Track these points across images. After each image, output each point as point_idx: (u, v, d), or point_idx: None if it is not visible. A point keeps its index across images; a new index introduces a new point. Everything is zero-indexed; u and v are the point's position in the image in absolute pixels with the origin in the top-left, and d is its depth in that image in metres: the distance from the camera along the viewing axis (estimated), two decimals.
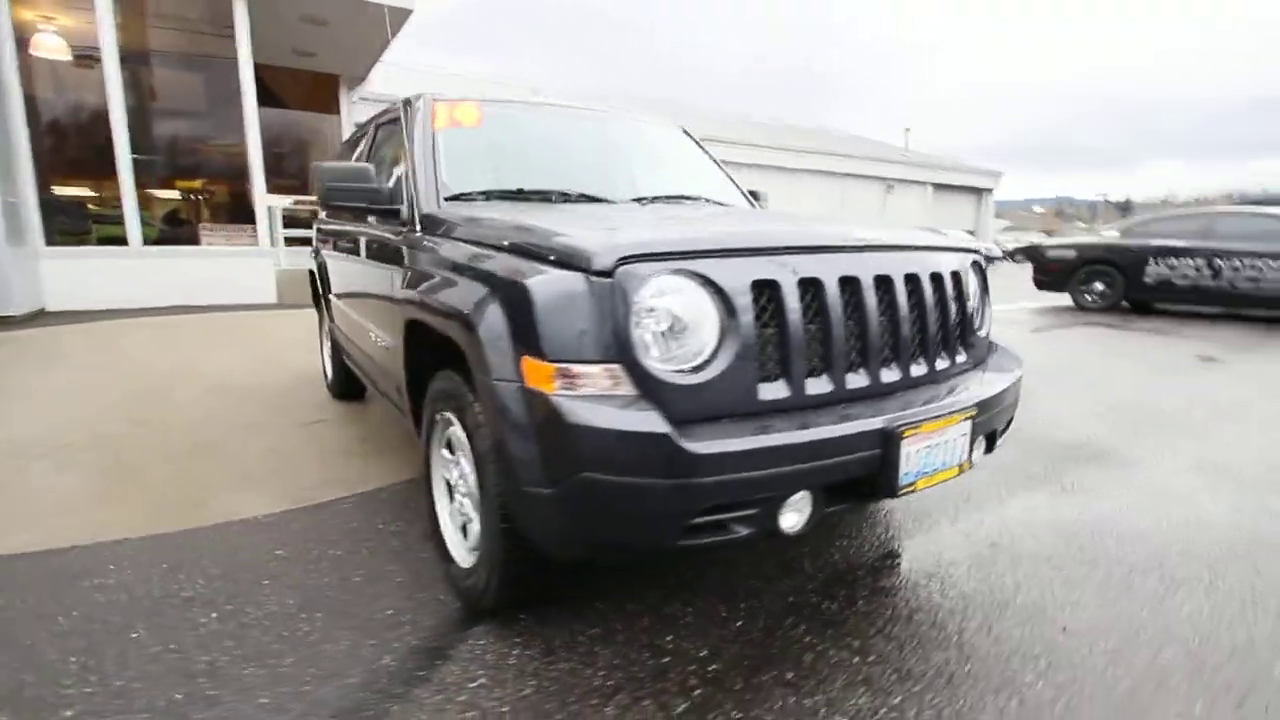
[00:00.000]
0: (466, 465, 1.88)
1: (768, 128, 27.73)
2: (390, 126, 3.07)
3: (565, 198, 2.45)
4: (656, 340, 1.45)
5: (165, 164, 9.54)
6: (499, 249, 1.69)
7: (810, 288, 1.58)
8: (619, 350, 1.41)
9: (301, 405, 4.27)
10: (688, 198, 2.73)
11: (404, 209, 2.36)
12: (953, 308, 1.90)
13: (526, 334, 1.46)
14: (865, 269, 1.67)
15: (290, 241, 9.21)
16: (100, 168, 8.17)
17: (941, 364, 1.86)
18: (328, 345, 4.39)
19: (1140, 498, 2.81)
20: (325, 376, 4.53)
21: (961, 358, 1.96)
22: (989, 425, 1.83)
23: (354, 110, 12.37)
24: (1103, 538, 2.43)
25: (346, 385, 4.17)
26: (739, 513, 1.43)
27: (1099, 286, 9.32)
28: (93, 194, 8.79)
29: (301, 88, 12.01)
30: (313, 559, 2.27)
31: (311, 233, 4.78)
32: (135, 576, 2.16)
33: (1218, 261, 8.22)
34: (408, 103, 2.64)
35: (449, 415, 1.90)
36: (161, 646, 1.79)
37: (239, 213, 9.45)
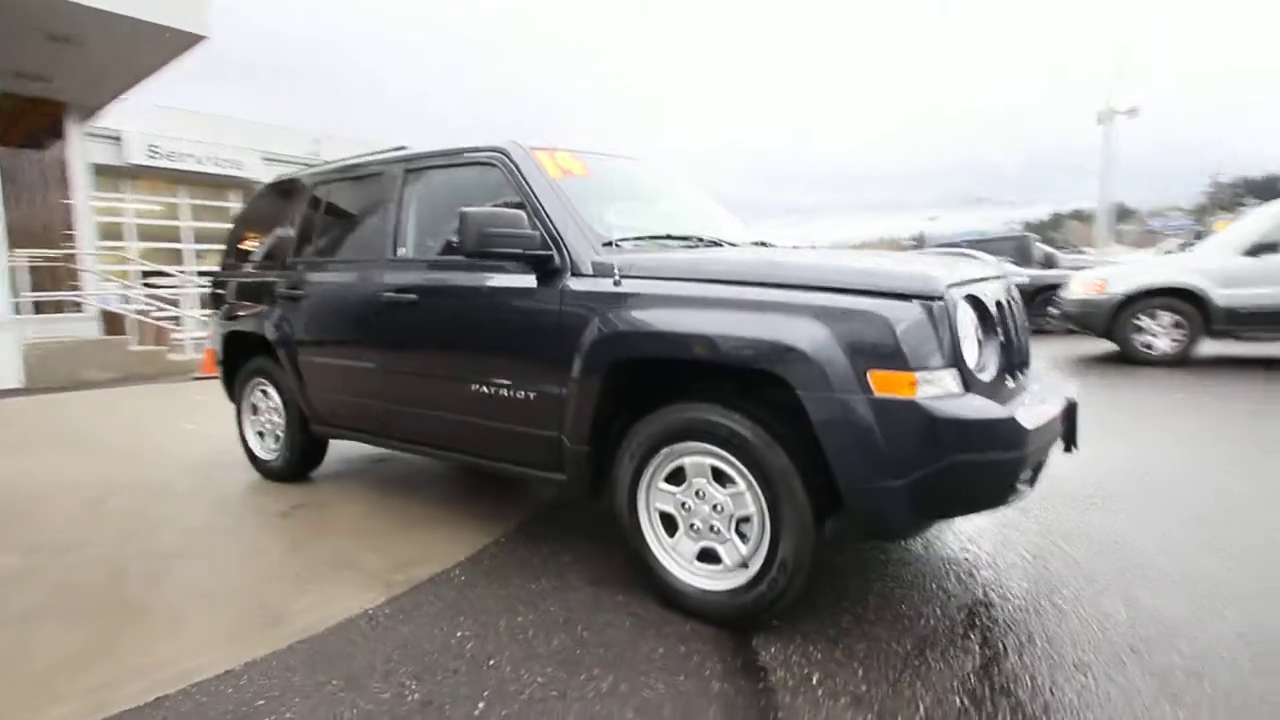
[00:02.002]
0: (717, 493, 2.00)
1: None
2: (427, 173, 2.93)
3: (700, 241, 2.66)
4: (970, 346, 1.83)
5: None
6: (797, 287, 1.89)
7: (995, 306, 2.11)
8: (953, 358, 1.76)
9: (247, 495, 3.55)
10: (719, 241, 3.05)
11: (556, 256, 2.34)
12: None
13: (880, 352, 1.72)
14: (1002, 292, 2.26)
15: (44, 308, 7.15)
16: None
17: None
18: (261, 419, 3.72)
19: None
20: (254, 458, 3.80)
21: None
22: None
23: (86, 147, 10.04)
24: None
25: (304, 460, 3.59)
26: (1030, 473, 1.86)
27: None
28: None
29: (6, 118, 9.42)
30: (515, 626, 2.08)
31: (202, 292, 4.03)
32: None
33: None
34: (504, 152, 2.59)
35: (702, 446, 2.00)
36: None
37: None
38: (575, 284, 2.28)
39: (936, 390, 1.72)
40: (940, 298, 1.76)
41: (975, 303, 1.93)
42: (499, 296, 2.49)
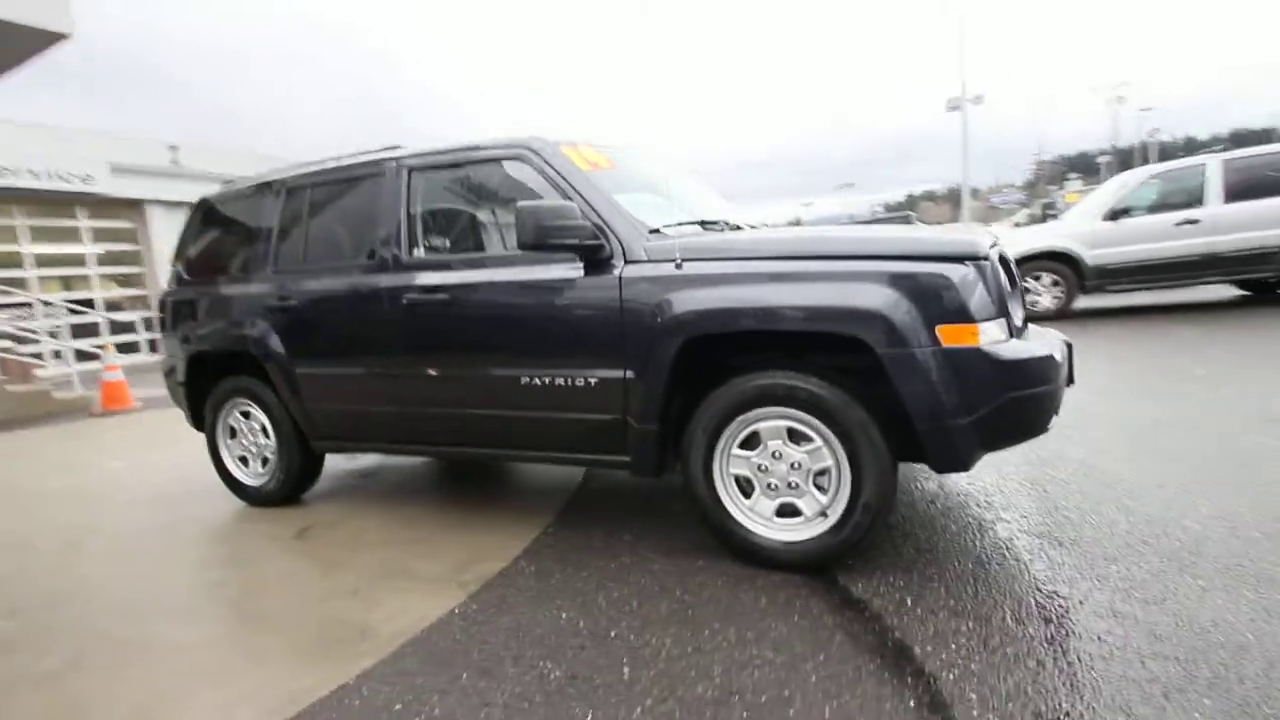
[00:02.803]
0: (795, 452, 2.18)
1: None
2: (438, 172, 2.90)
3: (727, 225, 2.81)
4: (1009, 298, 2.12)
5: None
6: (860, 257, 2.10)
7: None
8: (1000, 309, 2.04)
9: (240, 524, 3.32)
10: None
11: (606, 245, 2.42)
12: None
13: (948, 308, 1.96)
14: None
15: None
16: None
17: None
18: (244, 443, 3.47)
19: None
20: (237, 486, 3.53)
21: None
22: None
23: None
24: None
25: (300, 480, 3.40)
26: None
27: None
28: None
29: None
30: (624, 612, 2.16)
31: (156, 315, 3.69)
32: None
33: None
34: (532, 148, 2.61)
35: (779, 410, 2.17)
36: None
37: None
38: (633, 270, 2.37)
39: (992, 338, 2.00)
40: (986, 258, 2.04)
41: (1003, 261, 2.24)
42: (547, 288, 2.53)
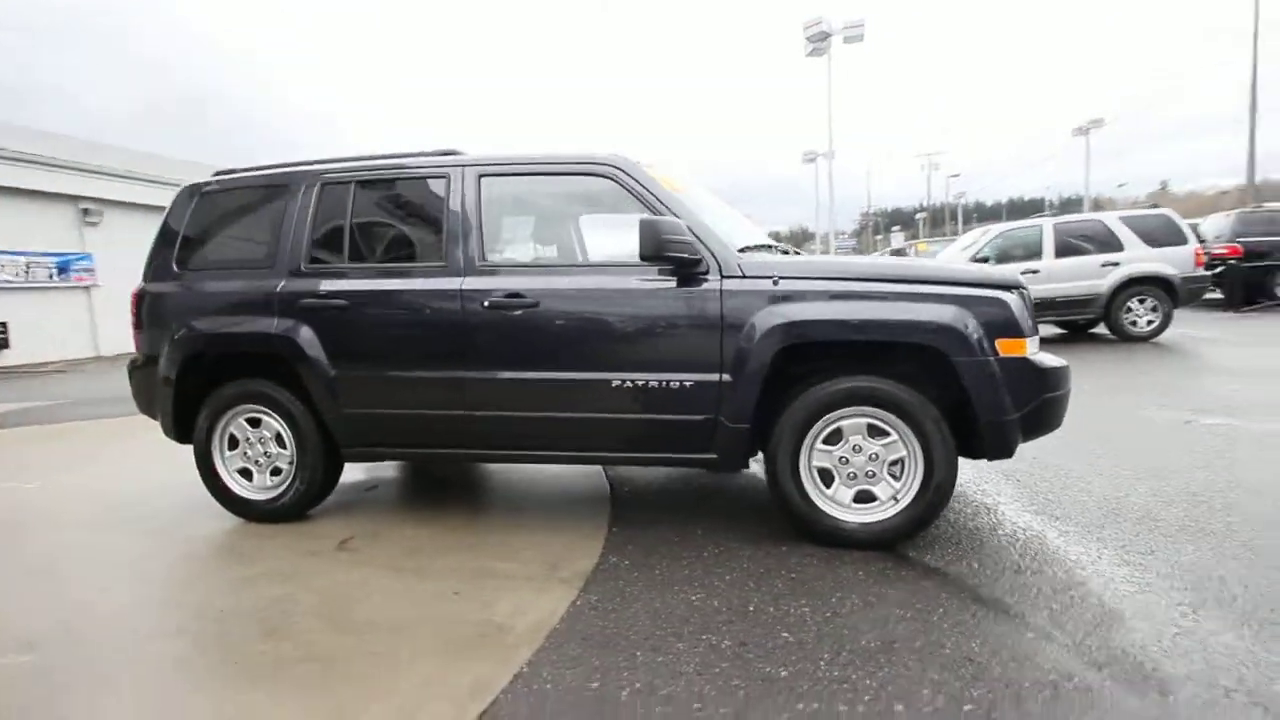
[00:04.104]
0: (874, 445, 2.56)
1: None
2: (512, 180, 2.98)
3: (774, 247, 3.15)
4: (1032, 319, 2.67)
5: None
6: (932, 282, 2.54)
7: None
8: (1034, 328, 2.57)
9: (252, 541, 3.04)
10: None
11: (704, 260, 2.66)
12: None
13: (1004, 326, 2.45)
14: None
15: None
16: None
17: None
18: (250, 453, 3.19)
19: None
20: (236, 501, 3.22)
21: None
22: None
23: None
24: None
25: (322, 491, 3.20)
26: None
27: None
28: None
29: None
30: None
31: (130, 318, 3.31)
32: None
33: None
34: (619, 166, 2.80)
35: (862, 409, 2.54)
36: None
37: None
38: (732, 284, 2.64)
39: (1034, 350, 2.53)
40: (1024, 287, 2.58)
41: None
42: (643, 297, 2.71)
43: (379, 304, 2.96)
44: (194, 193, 3.34)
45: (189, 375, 3.20)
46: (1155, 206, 9.70)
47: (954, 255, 9.13)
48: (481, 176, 2.95)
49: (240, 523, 3.25)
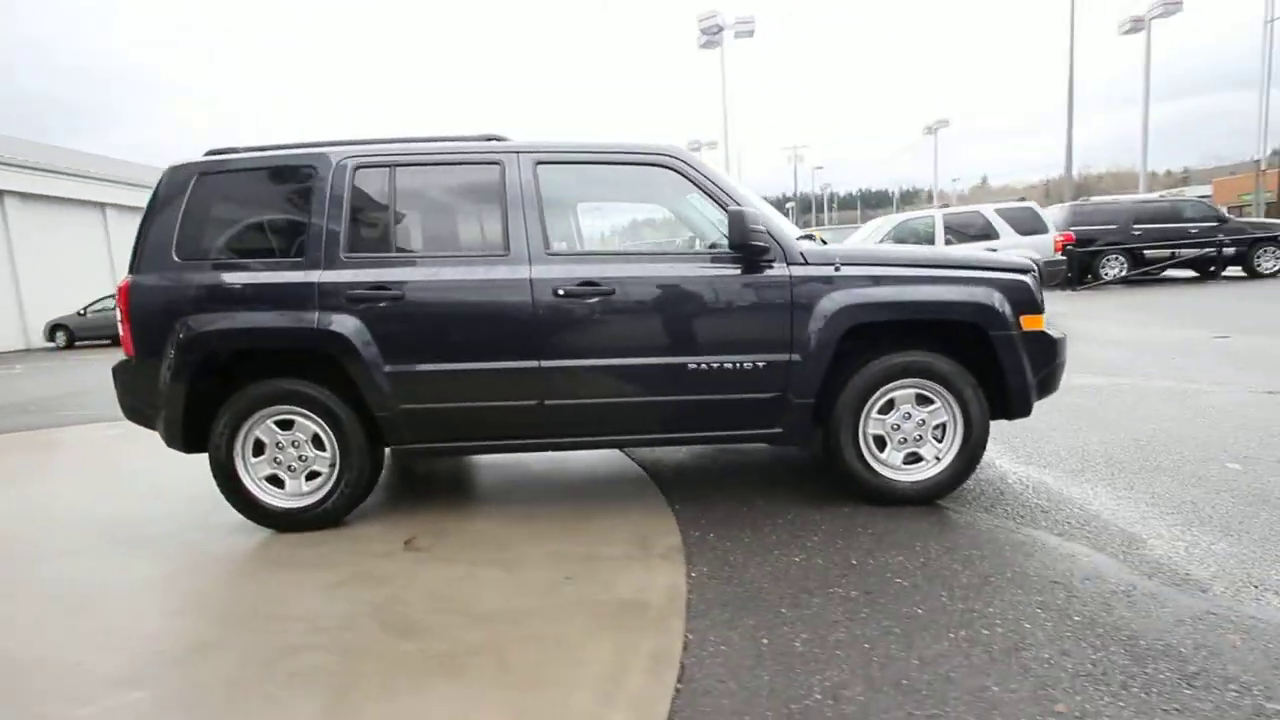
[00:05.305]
0: (922, 412, 2.91)
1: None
2: (570, 168, 3.00)
3: (812, 236, 3.39)
4: None
5: None
6: (968, 267, 2.90)
7: None
8: (1042, 305, 3.02)
9: (295, 546, 2.85)
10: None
11: (771, 248, 2.84)
12: None
13: (1028, 304, 2.86)
14: None
15: None
16: None
17: None
18: (281, 457, 2.96)
19: None
20: (265, 511, 2.98)
21: None
22: None
23: None
24: None
25: (364, 495, 3.05)
26: None
27: None
28: None
29: None
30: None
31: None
32: None
33: None
34: (676, 155, 2.91)
35: (915, 380, 2.87)
36: None
37: None
38: (799, 270, 2.85)
39: (1047, 324, 2.98)
40: (1035, 270, 3.02)
41: None
42: (715, 283, 2.86)
43: (438, 294, 2.87)
44: (191, 173, 3.00)
45: (201, 377, 2.91)
46: (1022, 200, 11.20)
47: (861, 240, 10.01)
48: (539, 164, 2.94)
49: (267, 534, 3.02)
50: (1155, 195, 18.96)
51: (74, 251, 21.27)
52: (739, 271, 2.87)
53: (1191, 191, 30.19)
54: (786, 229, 2.98)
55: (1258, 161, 22.95)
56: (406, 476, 3.91)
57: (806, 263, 2.88)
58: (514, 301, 2.84)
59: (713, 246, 2.99)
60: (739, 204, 2.88)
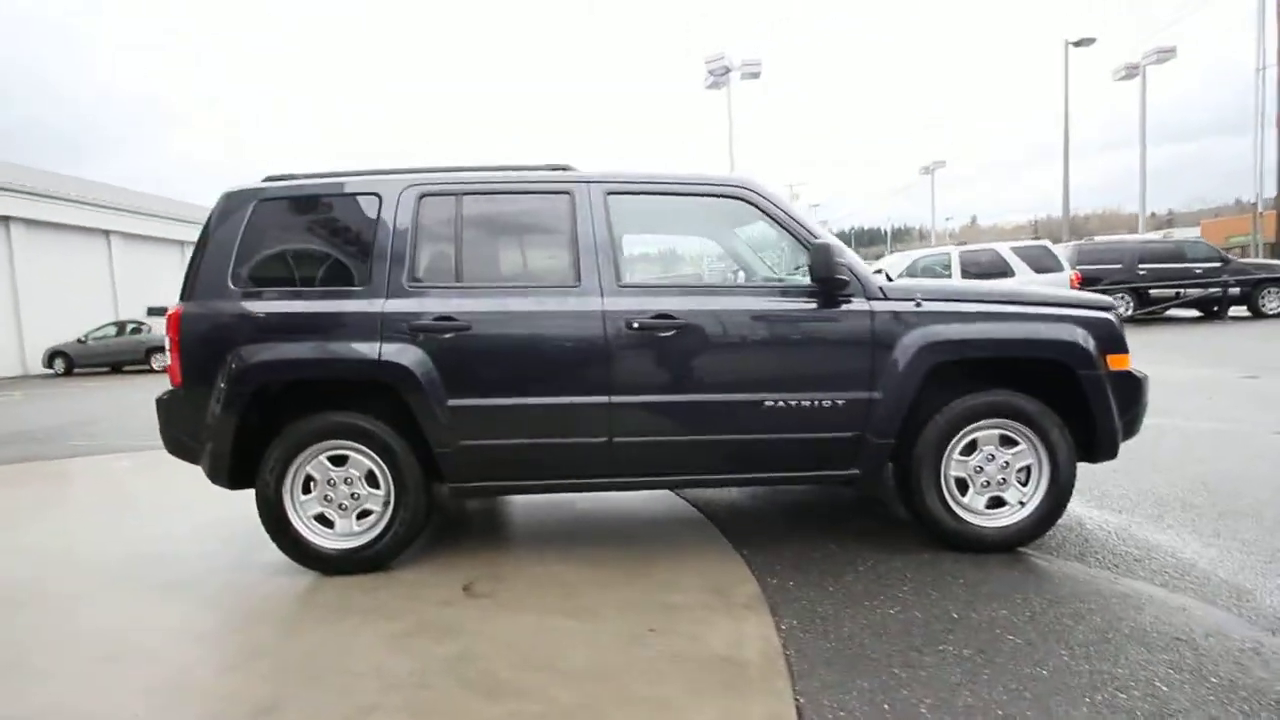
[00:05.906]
0: (1006, 454, 2.80)
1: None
2: (642, 199, 2.94)
3: (881, 271, 3.32)
4: None
5: None
6: (1050, 304, 2.82)
7: None
8: (1126, 344, 2.93)
9: (364, 592, 2.69)
10: None
11: (850, 283, 2.76)
12: None
13: (1113, 341, 2.78)
14: None
15: None
16: None
17: None
18: (331, 495, 2.81)
19: None
20: (314, 554, 2.81)
21: None
22: None
23: None
24: None
25: (416, 535, 2.88)
26: None
27: None
28: None
29: None
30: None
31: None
32: None
33: None
34: (753, 188, 2.85)
35: (999, 421, 2.76)
36: None
37: None
38: (879, 305, 2.76)
39: (1133, 365, 2.89)
40: (1119, 308, 2.94)
41: None
42: (794, 319, 2.77)
43: (506, 325, 2.76)
44: (248, 199, 2.91)
45: (253, 409, 2.77)
46: (1037, 238, 11.32)
47: (888, 270, 10.04)
48: (609, 194, 2.87)
49: (313, 576, 2.85)
50: (1157, 235, 19.26)
51: (77, 278, 21.21)
52: (816, 306, 2.78)
53: (1179, 233, 30.77)
54: (860, 263, 2.91)
55: (1254, 204, 23.40)
56: (443, 516, 3.74)
57: (886, 297, 2.80)
58: (585, 334, 2.73)
59: (780, 280, 2.90)
60: (815, 236, 2.81)
